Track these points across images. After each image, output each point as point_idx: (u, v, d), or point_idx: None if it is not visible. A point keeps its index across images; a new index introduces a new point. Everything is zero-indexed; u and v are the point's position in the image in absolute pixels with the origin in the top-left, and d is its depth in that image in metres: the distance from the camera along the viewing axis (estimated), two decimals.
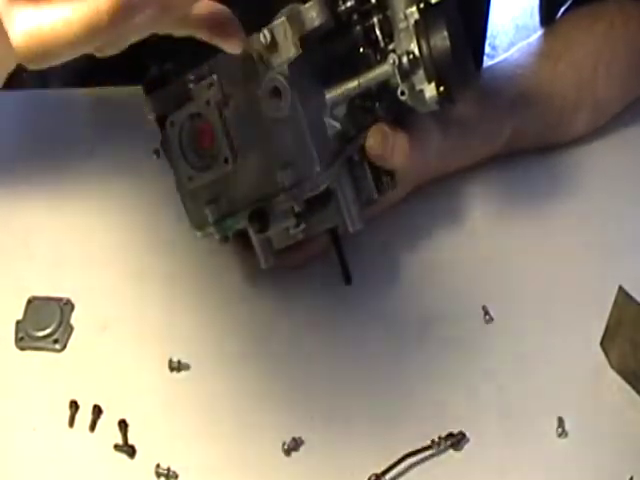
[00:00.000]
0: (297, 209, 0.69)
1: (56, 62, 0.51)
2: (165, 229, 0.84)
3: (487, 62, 0.89)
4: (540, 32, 0.89)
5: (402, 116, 0.75)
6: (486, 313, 0.80)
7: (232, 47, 0.60)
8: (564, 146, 0.87)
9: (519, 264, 0.82)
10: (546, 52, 0.86)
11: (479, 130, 0.84)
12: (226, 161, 0.68)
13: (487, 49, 0.93)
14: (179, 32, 0.57)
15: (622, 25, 0.85)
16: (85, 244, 0.85)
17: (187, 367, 0.79)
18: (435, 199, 0.85)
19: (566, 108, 0.86)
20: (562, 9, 0.90)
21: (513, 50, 0.88)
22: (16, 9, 0.49)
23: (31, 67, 0.51)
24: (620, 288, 0.72)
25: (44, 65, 0.51)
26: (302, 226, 0.71)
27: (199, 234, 0.70)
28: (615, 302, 0.73)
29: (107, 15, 0.48)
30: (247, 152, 0.68)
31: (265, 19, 0.67)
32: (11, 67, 0.63)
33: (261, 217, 0.68)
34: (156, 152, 0.71)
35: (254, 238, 0.73)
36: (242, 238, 0.75)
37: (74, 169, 0.88)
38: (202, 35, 0.59)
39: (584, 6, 0.87)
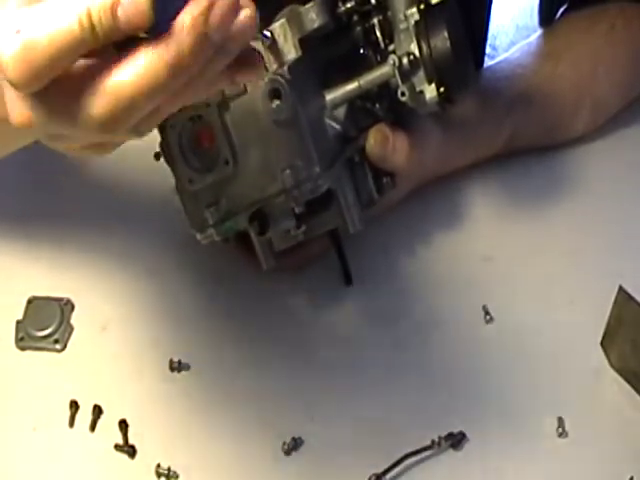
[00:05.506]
0: (298, 210, 0.69)
1: None
2: (165, 231, 0.84)
3: (487, 62, 0.89)
4: (540, 32, 0.89)
5: (402, 117, 0.75)
6: (486, 313, 0.80)
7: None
8: (564, 146, 0.87)
9: (519, 264, 0.82)
10: (546, 52, 0.86)
11: (479, 130, 0.84)
12: (226, 163, 0.68)
13: (487, 49, 0.93)
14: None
15: (623, 27, 0.85)
16: (85, 244, 0.85)
17: (187, 367, 0.79)
18: (435, 199, 0.85)
19: (566, 108, 0.85)
20: (561, 10, 0.90)
21: (513, 50, 0.88)
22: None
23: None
24: (620, 288, 0.72)
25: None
26: (303, 227, 0.71)
27: (199, 236, 0.70)
28: (615, 302, 0.73)
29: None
30: (247, 154, 0.67)
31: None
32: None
33: (261, 219, 0.68)
34: (156, 156, 0.70)
35: (255, 239, 0.73)
36: (243, 239, 0.75)
37: (74, 171, 0.89)
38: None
39: (585, 7, 0.87)
